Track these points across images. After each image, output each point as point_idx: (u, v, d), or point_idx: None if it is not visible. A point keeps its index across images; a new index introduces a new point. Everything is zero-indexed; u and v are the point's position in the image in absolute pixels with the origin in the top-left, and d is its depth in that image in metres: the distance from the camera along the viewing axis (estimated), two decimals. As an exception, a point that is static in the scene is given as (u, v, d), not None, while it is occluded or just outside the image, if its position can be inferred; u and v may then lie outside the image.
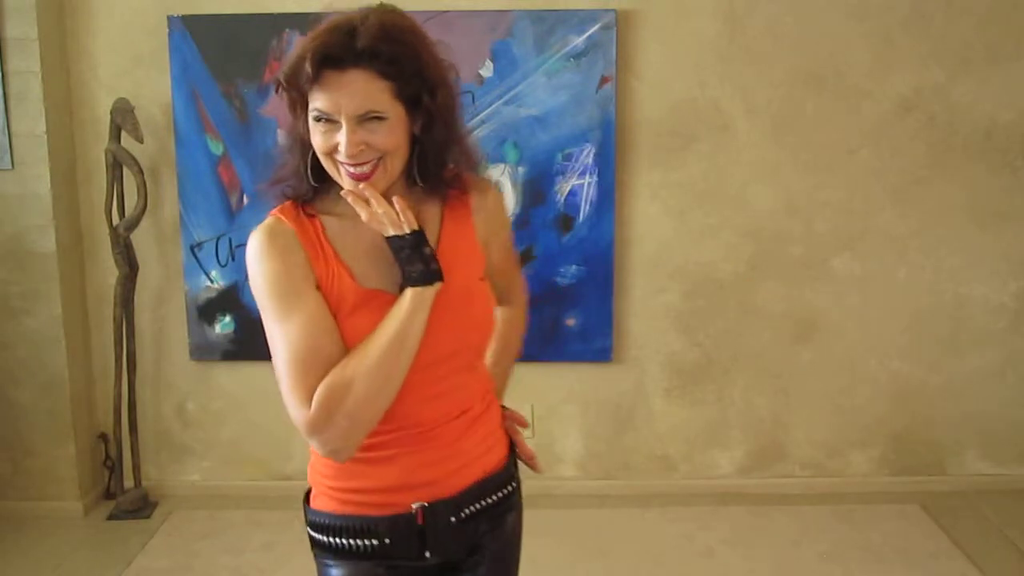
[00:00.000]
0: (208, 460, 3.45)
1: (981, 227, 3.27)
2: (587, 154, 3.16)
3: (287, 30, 3.12)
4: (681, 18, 3.13)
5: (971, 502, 3.31)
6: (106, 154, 3.12)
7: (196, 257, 3.27)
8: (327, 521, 1.42)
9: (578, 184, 3.18)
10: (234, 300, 3.28)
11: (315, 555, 1.46)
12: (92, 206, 3.25)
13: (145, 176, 3.12)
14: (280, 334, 1.33)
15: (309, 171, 1.35)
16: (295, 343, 1.33)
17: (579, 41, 3.09)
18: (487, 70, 3.13)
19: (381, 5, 1.32)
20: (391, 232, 1.31)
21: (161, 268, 3.31)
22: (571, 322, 3.26)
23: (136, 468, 3.33)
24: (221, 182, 3.22)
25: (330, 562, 1.43)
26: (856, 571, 2.87)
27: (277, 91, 1.33)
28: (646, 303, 3.27)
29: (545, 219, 3.21)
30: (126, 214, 3.16)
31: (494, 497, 1.48)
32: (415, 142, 1.32)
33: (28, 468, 3.25)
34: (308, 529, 1.46)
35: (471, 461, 1.44)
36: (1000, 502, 3.29)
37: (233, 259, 3.27)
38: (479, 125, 3.15)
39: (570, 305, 3.25)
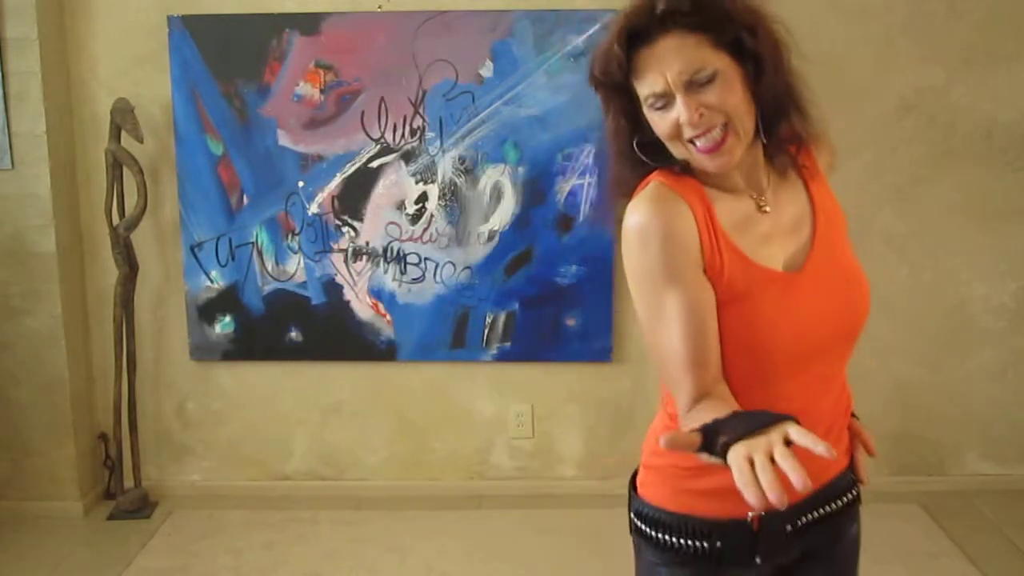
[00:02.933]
0: (208, 460, 3.45)
1: (981, 227, 3.27)
2: (587, 154, 3.16)
3: (287, 30, 3.13)
4: (681, 18, 3.13)
5: (971, 502, 3.30)
6: (106, 154, 3.12)
7: (196, 257, 3.27)
8: (660, 517, 1.32)
9: (578, 184, 3.19)
10: (234, 300, 3.29)
11: (639, 547, 1.38)
12: (92, 206, 3.25)
13: (145, 176, 3.12)
14: (673, 318, 1.19)
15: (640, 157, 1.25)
16: (688, 334, 1.18)
17: (579, 41, 3.09)
18: (487, 70, 3.13)
19: None
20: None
21: (161, 268, 3.31)
22: (571, 322, 3.26)
23: (136, 468, 3.33)
24: (221, 182, 3.22)
25: (654, 559, 1.33)
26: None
27: (595, 88, 1.26)
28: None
29: (545, 219, 3.21)
30: (126, 214, 3.16)
31: (835, 505, 1.34)
32: (755, 98, 1.22)
33: (28, 468, 3.25)
34: (635, 519, 1.37)
35: (823, 466, 1.25)
36: (1000, 502, 3.29)
37: (233, 259, 3.27)
38: (479, 125, 3.16)
39: (570, 305, 3.25)
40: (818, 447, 0.94)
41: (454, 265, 3.26)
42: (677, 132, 1.20)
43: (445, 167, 3.20)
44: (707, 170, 1.23)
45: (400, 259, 3.26)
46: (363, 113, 3.17)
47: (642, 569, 1.38)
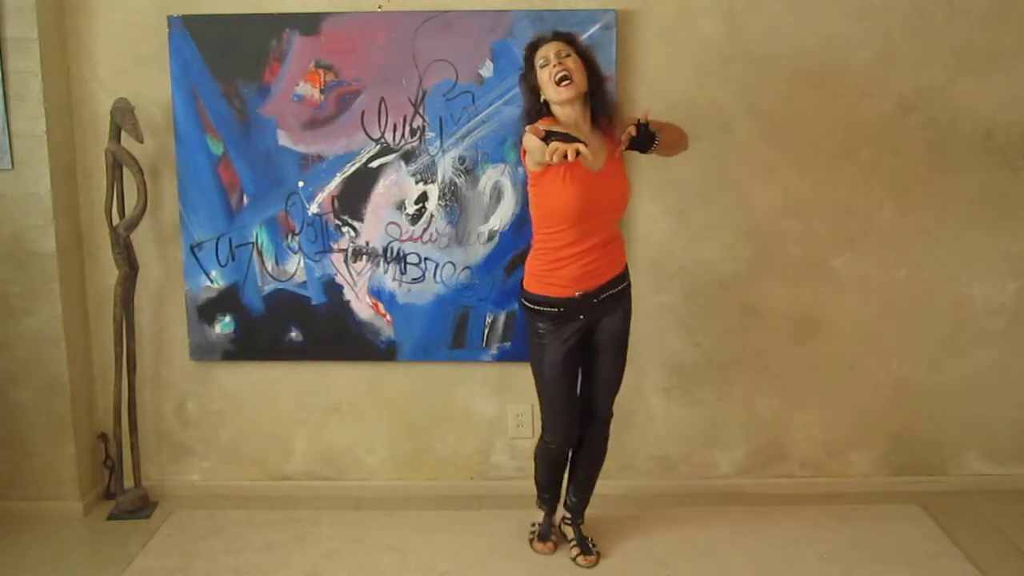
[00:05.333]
0: (208, 460, 3.45)
1: (981, 227, 3.27)
2: (587, 154, 3.15)
3: (287, 30, 3.13)
4: (681, 18, 3.13)
5: (971, 502, 3.31)
6: (106, 154, 3.12)
7: (196, 257, 3.27)
8: (534, 296, 2.72)
9: (578, 184, 3.18)
10: (234, 300, 3.29)
11: (525, 314, 2.78)
12: (92, 206, 3.25)
13: (145, 176, 3.12)
14: None
15: None
16: None
17: (579, 41, 3.09)
18: (487, 70, 3.13)
19: None
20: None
21: (161, 268, 3.31)
22: (571, 322, 3.26)
23: (136, 468, 3.33)
24: (221, 182, 3.22)
25: (532, 317, 2.73)
26: (856, 571, 2.87)
27: (523, 78, 2.70)
28: (646, 303, 3.27)
29: (545, 219, 3.20)
30: (126, 214, 3.16)
31: (615, 290, 2.72)
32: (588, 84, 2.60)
33: (28, 468, 3.25)
34: (523, 300, 2.76)
35: (606, 270, 2.69)
36: (1000, 502, 3.29)
37: (233, 259, 3.27)
38: (479, 125, 3.16)
39: (570, 305, 3.24)
40: (585, 153, 2.27)
41: (454, 265, 3.26)
42: (549, 76, 2.51)
43: (445, 167, 3.20)
44: (556, 99, 2.53)
45: (400, 259, 3.26)
46: (363, 113, 3.17)
47: (528, 324, 2.77)
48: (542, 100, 2.55)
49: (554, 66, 2.48)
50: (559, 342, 2.69)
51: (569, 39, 2.57)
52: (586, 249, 2.60)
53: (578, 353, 2.74)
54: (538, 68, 2.53)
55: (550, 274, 2.65)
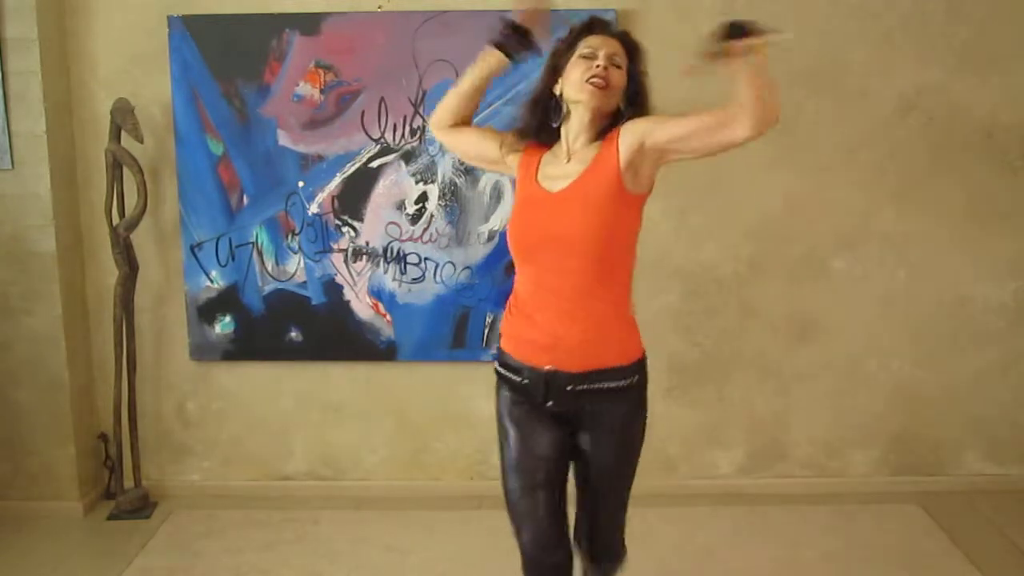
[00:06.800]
0: (208, 460, 3.45)
1: (981, 227, 3.27)
2: (587, 154, 3.16)
3: (287, 30, 3.13)
4: (681, 18, 3.13)
5: (971, 502, 3.31)
6: (106, 154, 3.12)
7: (196, 257, 3.27)
8: (500, 355, 2.05)
9: (578, 184, 3.18)
10: (234, 300, 3.29)
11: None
12: (92, 206, 3.25)
13: (145, 176, 3.12)
14: None
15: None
16: None
17: (579, 41, 3.09)
18: (487, 70, 3.12)
19: None
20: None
21: (161, 268, 3.31)
22: (571, 322, 3.26)
23: (136, 468, 3.33)
24: (221, 182, 3.22)
25: (498, 383, 2.04)
26: (856, 571, 2.87)
27: (556, 52, 2.04)
28: (646, 303, 3.27)
29: (545, 219, 3.20)
30: (126, 214, 3.16)
31: (604, 386, 1.94)
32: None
33: (28, 468, 3.25)
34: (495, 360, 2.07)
35: (589, 348, 1.93)
36: (1000, 502, 3.29)
37: (233, 259, 3.27)
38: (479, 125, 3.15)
39: (570, 305, 3.25)
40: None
41: (454, 265, 3.26)
42: (586, 73, 1.90)
43: (445, 167, 3.20)
44: (587, 102, 1.91)
45: (400, 259, 3.27)
46: (363, 113, 3.17)
47: (496, 388, 2.06)
48: (557, 91, 1.98)
49: (597, 65, 1.90)
50: (520, 435, 1.98)
51: (632, 49, 1.98)
52: (545, 302, 1.92)
53: (554, 457, 1.98)
54: (577, 52, 1.94)
55: (511, 324, 2.01)
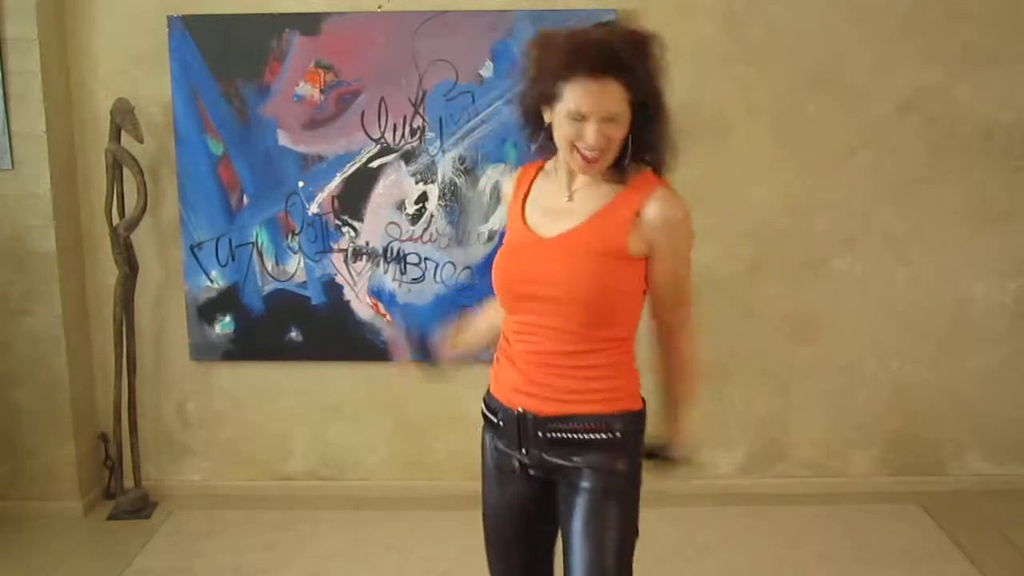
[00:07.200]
0: (208, 460, 3.45)
1: (981, 227, 3.27)
2: (587, 154, 3.16)
3: (287, 30, 3.12)
4: (681, 18, 3.13)
5: (971, 502, 3.31)
6: (106, 154, 3.12)
7: (196, 257, 3.27)
8: (485, 395, 1.86)
9: (578, 184, 3.18)
10: (234, 300, 3.29)
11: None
12: (92, 206, 3.25)
13: (145, 176, 3.12)
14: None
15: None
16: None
17: (579, 41, 3.08)
18: (487, 70, 3.13)
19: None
20: None
21: (161, 268, 3.31)
22: (571, 322, 3.26)
23: (136, 468, 3.33)
24: (221, 182, 3.22)
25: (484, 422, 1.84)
26: (856, 571, 2.87)
27: (532, 66, 1.61)
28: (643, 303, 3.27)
29: (545, 219, 3.20)
30: (126, 214, 3.16)
31: (582, 436, 1.68)
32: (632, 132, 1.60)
33: (28, 468, 3.25)
34: None
35: (573, 397, 1.68)
36: (1000, 502, 3.29)
37: (233, 259, 3.27)
38: (479, 125, 3.16)
39: (570, 305, 3.25)
40: None
41: (454, 265, 3.26)
42: (575, 138, 1.57)
43: (445, 167, 3.20)
44: (577, 170, 1.63)
45: (400, 259, 3.26)
46: (363, 113, 3.17)
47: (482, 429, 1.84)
48: (547, 120, 1.63)
49: (589, 133, 1.54)
50: (493, 484, 1.80)
51: (629, 74, 1.55)
52: (529, 356, 1.70)
53: (530, 512, 1.78)
54: (564, 103, 1.55)
55: (497, 366, 1.82)
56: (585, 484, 1.66)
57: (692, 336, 1.78)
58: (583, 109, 1.53)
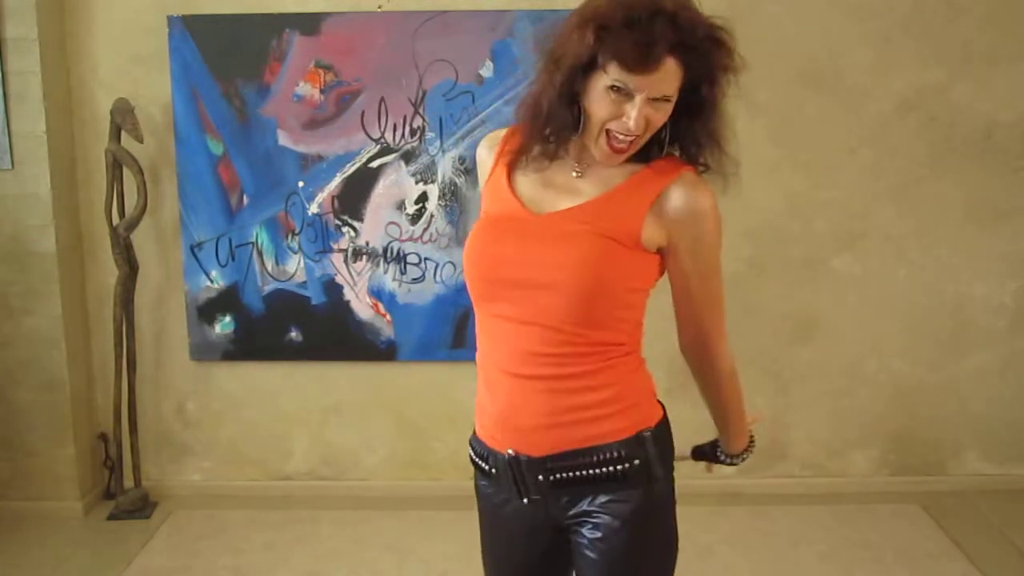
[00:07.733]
0: (208, 460, 3.45)
1: (981, 227, 3.27)
2: (587, 154, 3.15)
3: (287, 30, 3.12)
4: (681, 18, 3.13)
5: (971, 502, 3.31)
6: (106, 154, 3.12)
7: (196, 257, 3.27)
8: (471, 439, 1.57)
9: (578, 184, 3.18)
10: (234, 300, 3.28)
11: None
12: (92, 206, 3.25)
13: (145, 176, 3.12)
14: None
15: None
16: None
17: (579, 41, 3.08)
18: (487, 70, 3.13)
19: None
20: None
21: (161, 268, 3.31)
22: (571, 322, 3.26)
23: (136, 468, 3.33)
24: (221, 182, 3.22)
25: (474, 471, 1.58)
26: (856, 571, 2.87)
27: (578, 27, 1.31)
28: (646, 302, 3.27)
29: (545, 219, 3.20)
30: (126, 214, 3.16)
31: (589, 472, 1.41)
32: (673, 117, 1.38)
33: (28, 468, 3.25)
34: None
35: (569, 423, 1.42)
36: (1000, 502, 3.29)
37: (233, 259, 3.27)
38: (479, 125, 3.16)
39: (570, 305, 3.24)
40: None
41: (454, 265, 3.26)
42: (613, 117, 1.32)
43: (445, 167, 3.20)
44: (598, 158, 1.38)
45: (400, 259, 3.26)
46: (363, 113, 3.17)
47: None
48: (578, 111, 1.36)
49: (631, 114, 1.31)
50: (491, 534, 1.58)
51: (694, 55, 1.39)
52: (503, 363, 1.42)
53: (536, 566, 1.56)
54: (608, 74, 1.30)
55: (477, 392, 1.51)
56: (599, 530, 1.41)
57: (724, 350, 1.58)
58: (630, 86, 1.29)
